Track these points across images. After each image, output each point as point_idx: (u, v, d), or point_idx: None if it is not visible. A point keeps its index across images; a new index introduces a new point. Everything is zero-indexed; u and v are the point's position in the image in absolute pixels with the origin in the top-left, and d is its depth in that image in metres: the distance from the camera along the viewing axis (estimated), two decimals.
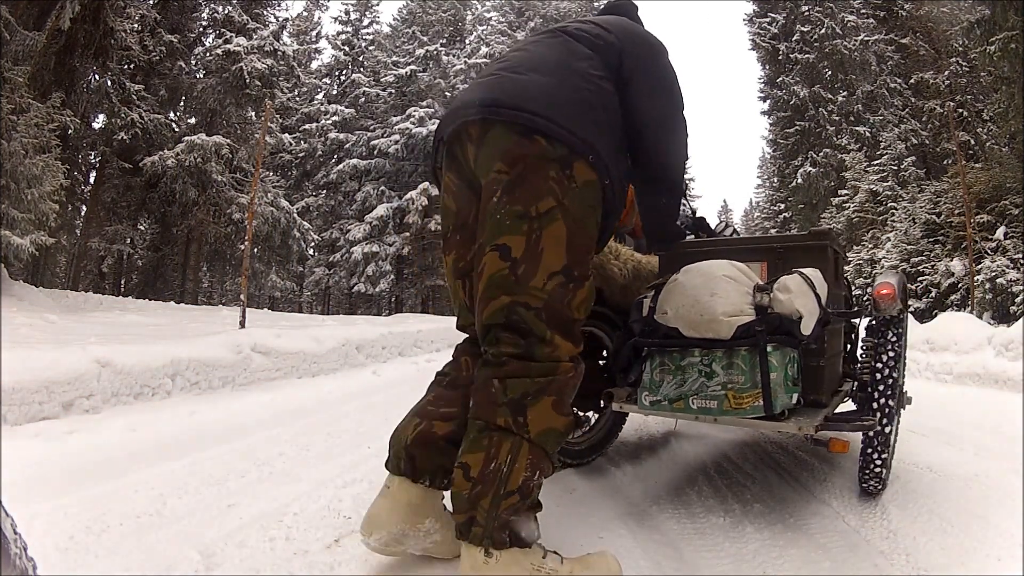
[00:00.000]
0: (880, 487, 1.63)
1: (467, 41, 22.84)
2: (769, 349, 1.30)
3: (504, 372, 1.14)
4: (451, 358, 1.36)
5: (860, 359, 1.74)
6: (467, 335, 1.35)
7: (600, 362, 2.02)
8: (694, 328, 1.36)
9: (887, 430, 1.57)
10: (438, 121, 1.35)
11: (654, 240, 1.74)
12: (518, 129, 1.15)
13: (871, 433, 1.55)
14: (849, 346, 2.02)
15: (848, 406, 1.75)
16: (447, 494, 1.21)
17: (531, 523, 1.12)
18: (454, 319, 1.40)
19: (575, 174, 1.17)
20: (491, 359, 1.17)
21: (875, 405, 1.57)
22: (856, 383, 1.73)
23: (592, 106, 1.22)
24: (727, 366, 1.33)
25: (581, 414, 2.06)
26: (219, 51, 12.76)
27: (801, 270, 1.44)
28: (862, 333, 1.80)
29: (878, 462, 1.57)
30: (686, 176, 1.77)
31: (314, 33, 23.08)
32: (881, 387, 1.58)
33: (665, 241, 1.71)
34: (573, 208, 1.16)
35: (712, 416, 1.37)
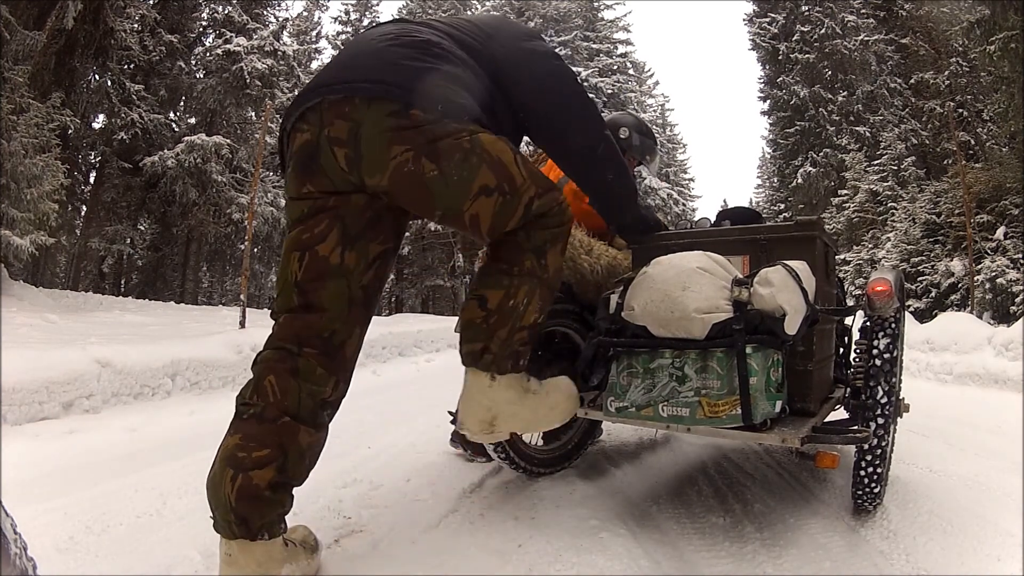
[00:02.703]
0: (876, 503, 1.51)
1: None
2: (748, 350, 1.18)
3: (528, 227, 1.22)
4: (252, 381, 1.20)
5: (854, 363, 1.59)
6: (275, 343, 1.21)
7: (573, 363, 1.93)
8: (664, 326, 1.24)
9: (883, 442, 1.44)
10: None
11: (623, 232, 1.65)
12: (392, 113, 1.13)
13: (865, 447, 1.40)
14: (842, 349, 1.89)
15: (840, 414, 1.62)
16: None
17: (527, 350, 1.27)
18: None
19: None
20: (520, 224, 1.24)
21: (869, 415, 1.44)
22: (849, 389, 1.56)
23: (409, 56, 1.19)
24: (701, 369, 1.20)
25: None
26: (219, 51, 12.73)
27: (786, 262, 1.29)
28: (856, 334, 1.67)
29: (873, 478, 1.44)
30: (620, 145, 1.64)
31: (314, 33, 23.01)
32: (876, 395, 1.44)
33: (635, 231, 1.60)
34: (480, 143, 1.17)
35: (684, 425, 1.24)
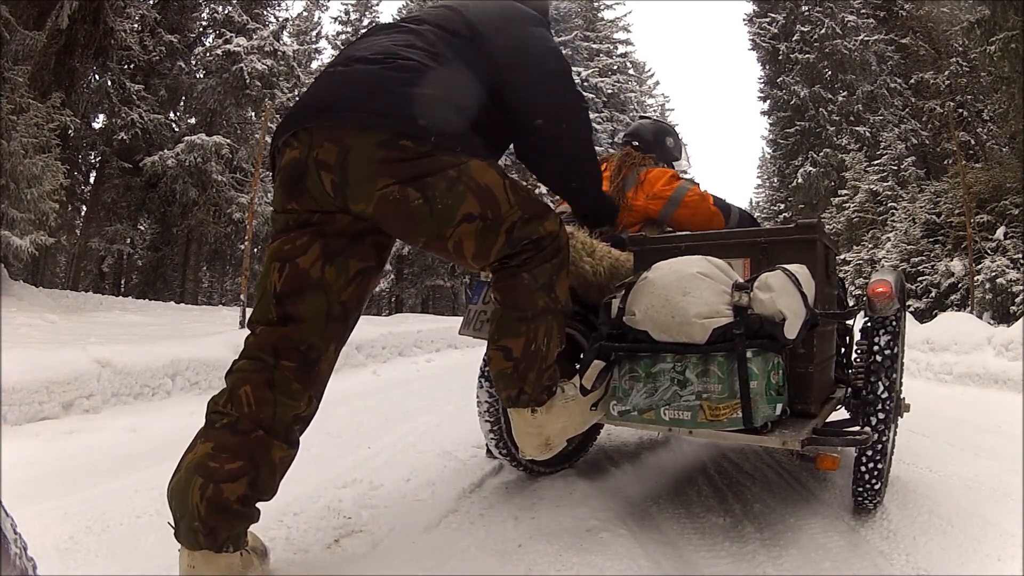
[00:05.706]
0: (876, 501, 1.52)
1: None
2: (749, 355, 1.19)
3: (529, 264, 1.25)
4: (226, 390, 1.19)
5: (855, 363, 1.61)
6: (251, 353, 1.20)
7: (576, 364, 1.95)
8: (665, 331, 1.26)
9: (883, 439, 1.45)
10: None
11: (591, 222, 1.65)
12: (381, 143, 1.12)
13: (865, 447, 1.41)
14: (843, 349, 1.90)
15: (842, 413, 1.65)
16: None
17: (556, 376, 1.35)
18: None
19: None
20: (512, 263, 1.26)
21: (870, 410, 1.45)
22: (850, 389, 1.59)
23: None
24: (702, 373, 1.22)
25: None
26: (219, 51, 12.74)
27: (785, 266, 1.30)
28: (857, 335, 1.68)
29: (873, 475, 1.45)
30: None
31: (314, 33, 23.03)
32: (877, 395, 1.46)
33: (602, 219, 1.61)
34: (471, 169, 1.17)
35: (686, 428, 1.26)
